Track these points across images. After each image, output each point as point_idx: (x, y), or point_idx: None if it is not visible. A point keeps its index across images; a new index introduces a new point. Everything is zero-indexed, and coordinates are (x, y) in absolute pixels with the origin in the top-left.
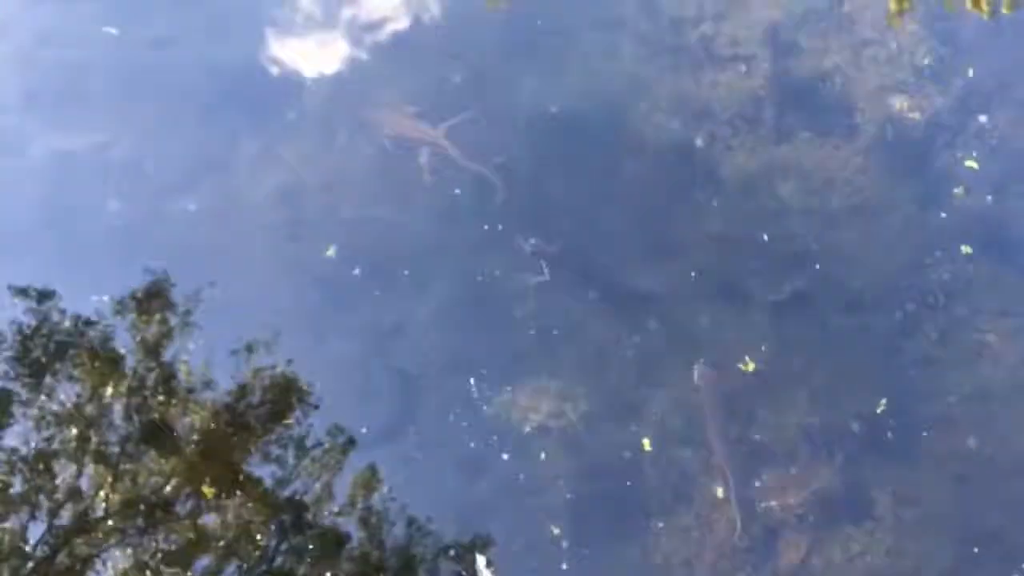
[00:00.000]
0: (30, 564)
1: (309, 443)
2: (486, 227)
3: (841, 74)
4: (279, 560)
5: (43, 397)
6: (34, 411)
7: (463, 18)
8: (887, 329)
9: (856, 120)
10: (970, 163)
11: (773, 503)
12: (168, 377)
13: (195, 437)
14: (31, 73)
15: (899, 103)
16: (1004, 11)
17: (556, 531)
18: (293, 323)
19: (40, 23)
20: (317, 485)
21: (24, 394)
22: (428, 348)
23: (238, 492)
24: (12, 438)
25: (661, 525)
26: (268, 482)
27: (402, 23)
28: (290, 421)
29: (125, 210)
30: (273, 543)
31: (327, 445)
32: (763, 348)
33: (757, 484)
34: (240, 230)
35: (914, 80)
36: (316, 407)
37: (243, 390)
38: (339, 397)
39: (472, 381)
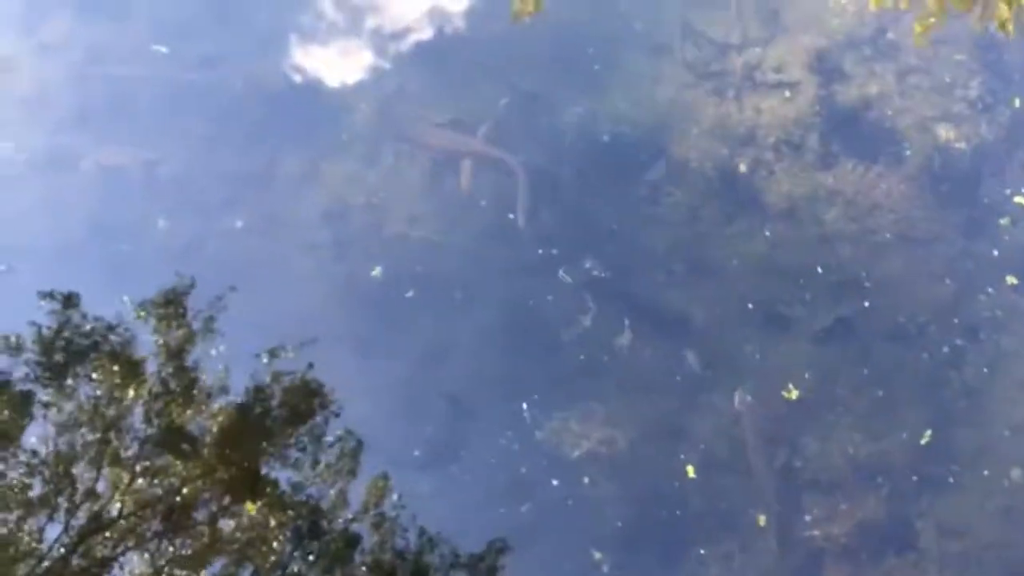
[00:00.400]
0: (45, 564)
1: (333, 452)
2: (538, 250)
3: (886, 102)
4: (294, 567)
5: (65, 399)
6: (54, 413)
7: (508, 39)
8: (932, 359)
9: (902, 148)
10: (1019, 199)
11: (817, 532)
12: (191, 383)
13: (217, 441)
14: (83, 91)
15: (945, 132)
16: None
17: (598, 556)
18: (339, 342)
19: (92, 41)
20: (332, 492)
21: (46, 396)
22: (475, 371)
23: (258, 497)
24: (33, 439)
25: (703, 552)
26: (284, 487)
27: (449, 42)
28: (321, 434)
29: (173, 227)
30: (288, 549)
31: (344, 451)
32: (807, 376)
33: (801, 513)
34: (286, 248)
35: (961, 109)
36: (337, 415)
37: (264, 395)
38: (387, 419)
39: (522, 405)
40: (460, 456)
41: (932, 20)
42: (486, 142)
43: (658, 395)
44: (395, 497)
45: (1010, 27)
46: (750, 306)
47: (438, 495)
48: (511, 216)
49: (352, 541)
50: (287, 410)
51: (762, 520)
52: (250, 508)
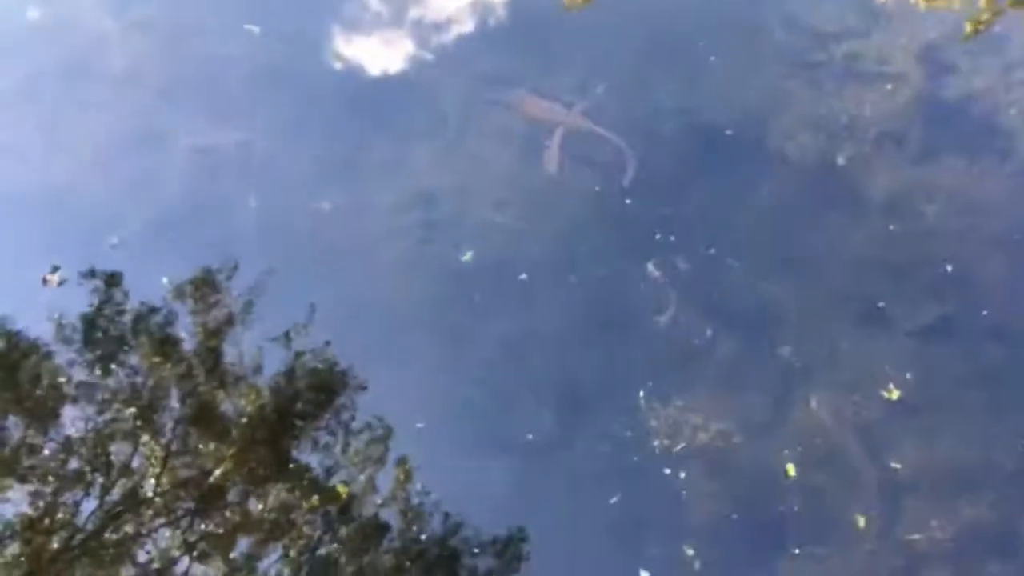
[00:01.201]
0: (79, 537)
1: (367, 435)
2: (631, 237)
3: (991, 96)
4: (324, 549)
5: (103, 378)
6: (93, 391)
7: (601, 24)
8: None
9: (1006, 144)
10: None
11: (917, 535)
12: (226, 365)
13: (255, 422)
14: (174, 68)
15: None
16: None
17: (690, 552)
18: (428, 328)
19: (184, 18)
20: (362, 476)
21: (85, 374)
22: (568, 358)
23: (291, 479)
24: (71, 415)
25: (798, 552)
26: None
27: (543, 28)
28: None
29: (263, 207)
30: (319, 532)
31: (377, 437)
32: (908, 376)
33: (902, 516)
34: (374, 230)
35: None
36: (364, 388)
37: (299, 379)
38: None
39: (637, 393)
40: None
41: (985, 17)
42: (584, 117)
43: (753, 390)
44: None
45: None
46: (848, 302)
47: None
48: (622, 185)
49: (382, 525)
50: (322, 395)
51: (861, 522)
52: (286, 490)
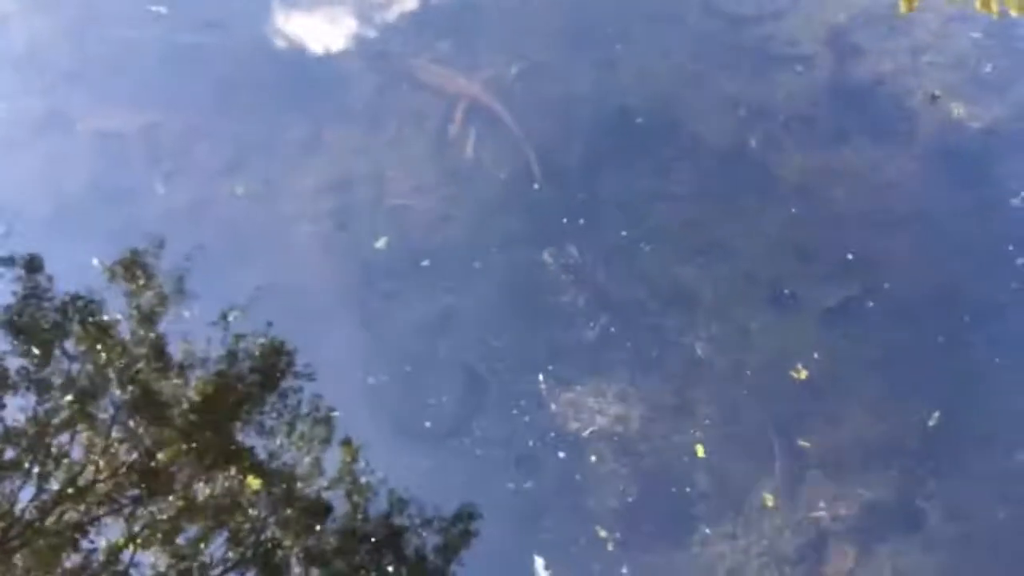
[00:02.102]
0: (17, 528)
1: (308, 420)
2: (544, 222)
3: (900, 79)
4: (268, 532)
5: (38, 365)
6: (29, 378)
7: (518, 8)
8: (941, 340)
9: (914, 126)
10: None
11: (823, 512)
12: (162, 348)
13: (192, 407)
14: (79, 50)
15: (957, 110)
16: (1013, 13)
17: (603, 534)
18: (343, 312)
19: (89, 0)
20: (309, 458)
21: (19, 362)
22: (481, 343)
23: (234, 463)
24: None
25: (708, 531)
26: (261, 453)
27: (460, 9)
28: (298, 401)
29: (171, 192)
30: (264, 514)
31: (319, 419)
32: (816, 356)
33: (808, 493)
34: (287, 216)
35: (974, 87)
36: (311, 377)
37: (239, 361)
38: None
39: (532, 377)
40: (470, 428)
41: None
42: (485, 89)
43: (665, 372)
44: (367, 465)
45: (993, 6)
46: (758, 284)
47: (445, 468)
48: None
49: (326, 507)
50: (262, 377)
51: (769, 500)
52: (228, 476)
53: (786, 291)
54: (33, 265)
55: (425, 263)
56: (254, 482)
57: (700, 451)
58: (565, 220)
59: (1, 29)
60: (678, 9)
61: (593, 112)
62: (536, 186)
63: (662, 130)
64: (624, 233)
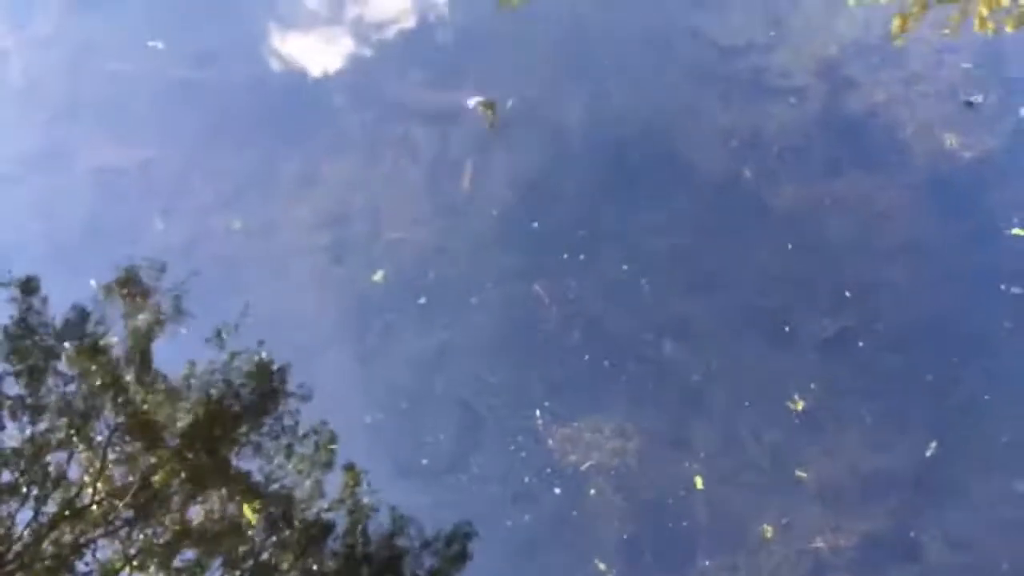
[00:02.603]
0: (15, 549)
1: (308, 443)
2: (538, 253)
3: (893, 110)
4: (265, 555)
5: (35, 387)
6: (25, 401)
7: (508, 37)
8: (937, 370)
9: (906, 156)
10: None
11: (821, 544)
12: (157, 371)
13: (189, 429)
14: (76, 86)
15: (950, 140)
16: (1008, 29)
17: (602, 567)
18: (339, 347)
19: (86, 35)
20: (307, 481)
21: (15, 384)
22: (478, 377)
23: (231, 486)
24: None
25: (708, 563)
26: (257, 476)
27: (446, 37)
28: (292, 422)
29: (170, 227)
30: (261, 537)
31: (320, 443)
32: (812, 387)
33: (807, 524)
34: (285, 250)
35: (967, 118)
36: (307, 398)
37: (236, 386)
38: (393, 427)
39: (529, 412)
40: (467, 465)
41: (913, 11)
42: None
43: (662, 404)
44: (367, 487)
45: (989, 25)
46: (754, 315)
47: (444, 505)
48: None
49: (324, 529)
50: (261, 401)
51: (768, 532)
52: (224, 498)
53: (782, 322)
54: (29, 287)
55: (421, 299)
56: (251, 514)
57: (699, 483)
58: (560, 253)
59: None
60: (671, 41)
61: (587, 145)
62: (535, 224)
63: (656, 162)
64: (620, 266)
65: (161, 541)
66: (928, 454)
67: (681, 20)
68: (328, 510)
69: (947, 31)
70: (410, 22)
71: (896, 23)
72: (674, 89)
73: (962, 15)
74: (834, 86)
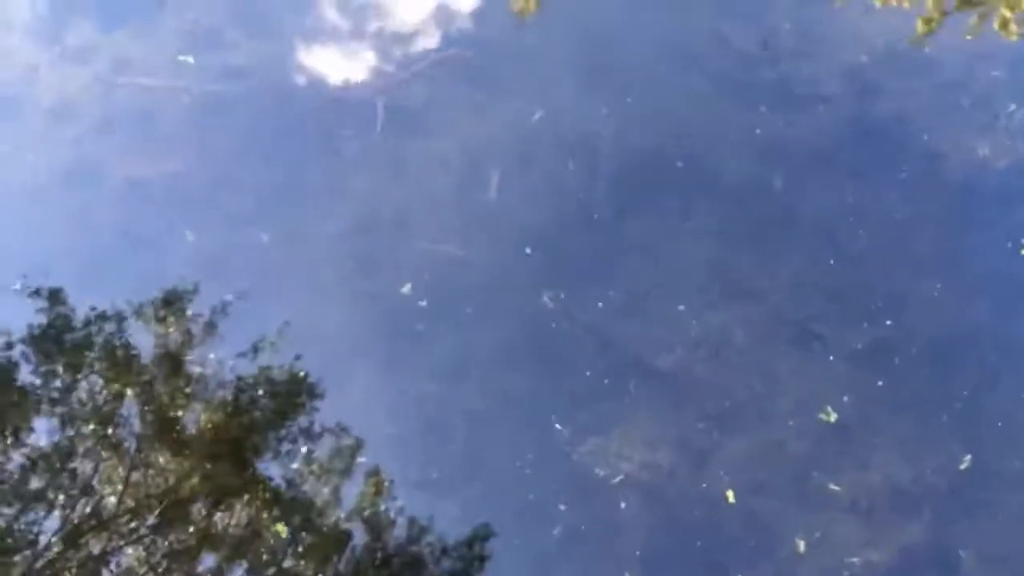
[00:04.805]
0: (41, 561)
1: (328, 449)
2: (566, 267)
3: (922, 117)
4: (288, 562)
5: (63, 395)
6: (54, 409)
7: (536, 51)
8: (970, 383)
9: (938, 165)
10: None
11: (855, 559)
12: (192, 382)
13: (215, 438)
14: (108, 100)
15: (982, 150)
16: None
17: None
18: (365, 356)
19: (118, 50)
20: (330, 489)
21: (45, 392)
22: (504, 388)
23: (254, 493)
24: (31, 435)
25: None
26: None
27: (475, 55)
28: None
29: (199, 239)
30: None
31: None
32: (845, 399)
33: (840, 538)
34: (312, 261)
35: (998, 126)
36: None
37: (260, 395)
38: (413, 439)
39: (551, 424)
40: (492, 476)
41: (934, 19)
42: None
43: (693, 416)
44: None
45: (1012, 27)
46: (785, 325)
47: (465, 518)
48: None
49: (345, 536)
50: (284, 408)
51: (801, 546)
52: (247, 506)
53: (814, 333)
54: (57, 298)
55: (448, 307)
56: (282, 529)
57: (731, 497)
58: (587, 264)
59: (31, 79)
60: (697, 49)
61: (614, 154)
62: (560, 234)
63: (684, 171)
64: (648, 275)
65: (184, 548)
66: (962, 467)
67: (709, 30)
68: (351, 519)
69: (969, 36)
70: (435, 35)
71: (919, 26)
72: (702, 97)
73: (981, 19)
74: (863, 94)
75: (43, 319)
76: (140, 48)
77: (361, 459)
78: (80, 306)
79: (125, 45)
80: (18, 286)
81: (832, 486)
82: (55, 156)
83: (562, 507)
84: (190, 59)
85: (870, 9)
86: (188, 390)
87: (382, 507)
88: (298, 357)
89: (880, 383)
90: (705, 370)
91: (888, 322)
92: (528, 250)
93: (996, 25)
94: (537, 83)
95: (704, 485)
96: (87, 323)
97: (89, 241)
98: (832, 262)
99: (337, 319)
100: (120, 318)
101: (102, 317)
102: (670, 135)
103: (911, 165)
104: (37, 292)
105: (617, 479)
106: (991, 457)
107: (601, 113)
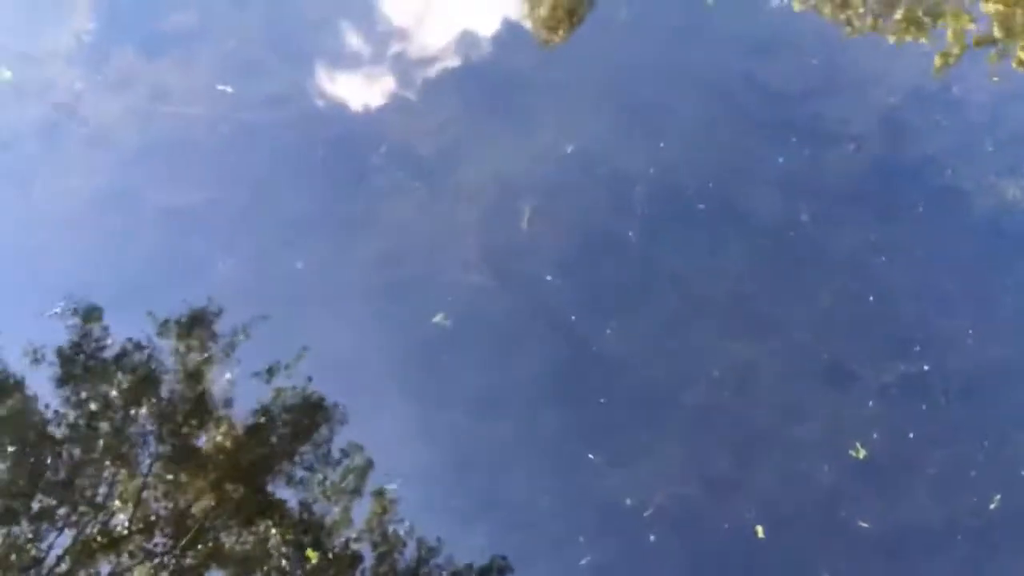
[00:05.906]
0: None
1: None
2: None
3: (951, 156)
4: None
5: (82, 412)
6: (69, 427)
7: (566, 84)
8: (1000, 421)
9: (967, 203)
10: None
11: None
12: (211, 403)
13: (232, 460)
14: (146, 128)
15: (1012, 190)
16: None
17: None
18: (396, 384)
19: (157, 78)
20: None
21: (62, 411)
22: (536, 419)
23: (267, 516)
24: (47, 452)
25: None
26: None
27: (512, 89)
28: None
29: (235, 267)
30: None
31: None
32: (874, 435)
33: (867, 574)
34: (346, 290)
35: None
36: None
37: (279, 418)
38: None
39: (583, 456)
40: (513, 506)
41: (954, 53)
42: None
43: (721, 450)
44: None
45: None
46: (814, 360)
47: (495, 547)
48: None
49: (355, 558)
50: (303, 432)
51: None
52: (267, 528)
53: (843, 370)
54: (91, 316)
55: (477, 336)
56: (312, 554)
57: (760, 532)
58: (617, 296)
59: (72, 107)
60: (726, 87)
61: (645, 190)
62: (591, 268)
63: (714, 206)
64: (677, 309)
65: (194, 566)
66: (992, 507)
67: (739, 68)
68: (365, 541)
69: (996, 78)
70: (466, 70)
71: (937, 61)
72: (732, 135)
73: (1000, 55)
74: (893, 133)
75: (73, 337)
76: (179, 77)
77: (391, 485)
78: (116, 331)
79: (165, 74)
80: (58, 310)
81: (861, 523)
82: (94, 181)
83: (581, 539)
84: (228, 88)
85: (898, 50)
86: (209, 411)
87: (400, 531)
88: (310, 379)
89: (909, 420)
90: (733, 404)
91: (918, 360)
92: (548, 277)
93: (1014, 64)
94: (566, 117)
95: (733, 520)
96: (112, 344)
97: (127, 267)
98: (861, 298)
99: (367, 346)
100: (143, 344)
101: (130, 341)
102: (700, 170)
103: (940, 203)
104: (75, 311)
105: (647, 512)
106: (1021, 496)
107: (631, 149)
